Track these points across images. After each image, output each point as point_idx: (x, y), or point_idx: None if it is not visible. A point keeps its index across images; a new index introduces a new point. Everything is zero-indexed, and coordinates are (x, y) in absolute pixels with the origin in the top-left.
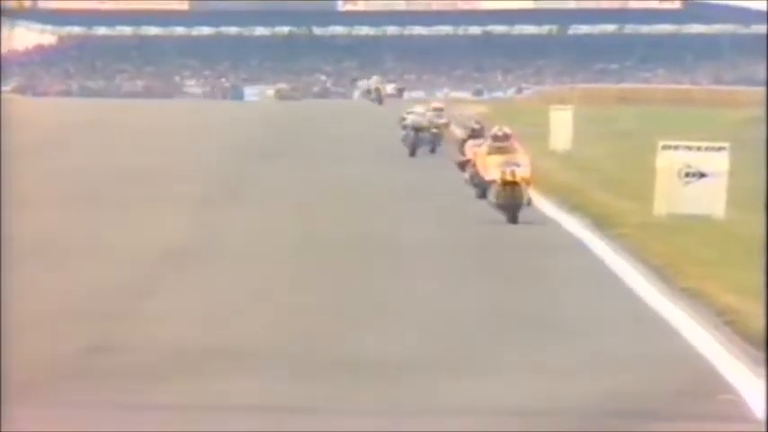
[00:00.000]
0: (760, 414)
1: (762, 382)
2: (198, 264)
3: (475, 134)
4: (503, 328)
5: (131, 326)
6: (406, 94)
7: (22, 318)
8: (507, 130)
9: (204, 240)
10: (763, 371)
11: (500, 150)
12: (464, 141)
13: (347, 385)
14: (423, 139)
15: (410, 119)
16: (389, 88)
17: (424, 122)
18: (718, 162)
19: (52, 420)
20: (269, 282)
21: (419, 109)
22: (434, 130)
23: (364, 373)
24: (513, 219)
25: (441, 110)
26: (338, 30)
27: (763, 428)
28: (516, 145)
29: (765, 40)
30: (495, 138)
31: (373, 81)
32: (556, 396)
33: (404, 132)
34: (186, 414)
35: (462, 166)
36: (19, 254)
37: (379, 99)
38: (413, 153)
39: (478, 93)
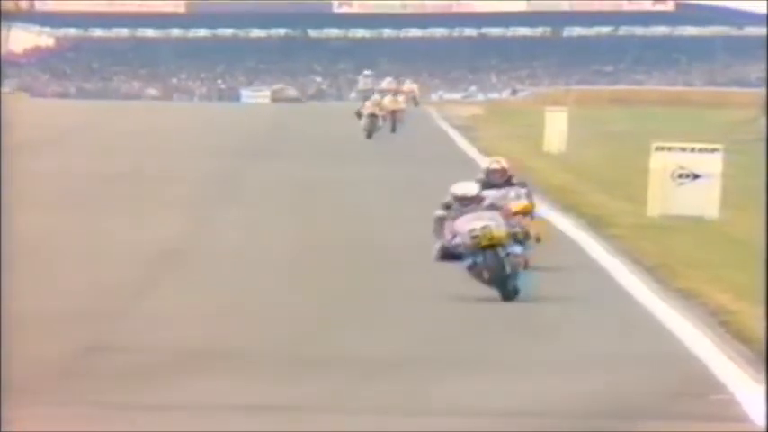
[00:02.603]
0: (755, 414)
1: (761, 385)
2: (189, 264)
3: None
4: (492, 331)
5: (129, 326)
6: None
7: (21, 318)
8: None
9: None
10: (758, 373)
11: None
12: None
13: None
14: None
15: None
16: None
17: None
18: (711, 163)
19: (52, 420)
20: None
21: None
22: None
23: None
24: None
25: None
26: (333, 32)
27: (763, 429)
28: None
29: (759, 42)
30: None
31: (372, 102)
32: (551, 396)
33: None
34: (186, 413)
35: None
36: (16, 254)
37: (372, 127)
38: None
39: (470, 94)
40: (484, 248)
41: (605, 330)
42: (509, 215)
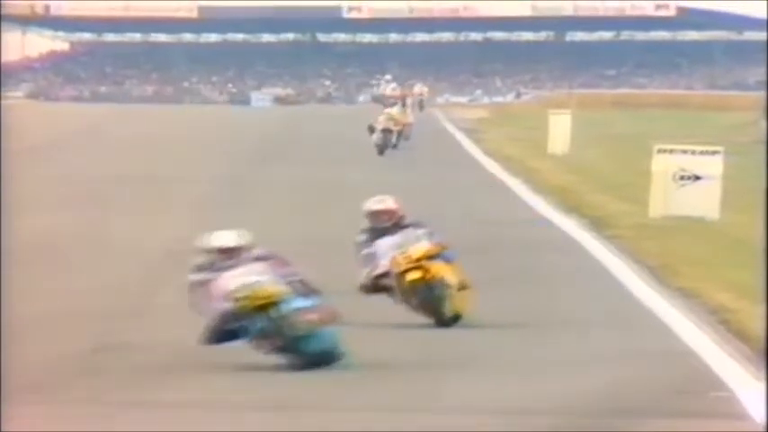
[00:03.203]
0: (755, 412)
1: (761, 383)
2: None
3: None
4: (493, 328)
5: (133, 325)
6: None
7: (23, 317)
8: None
9: None
10: (759, 370)
11: None
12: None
13: None
14: None
15: None
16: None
17: None
18: (712, 165)
19: (53, 419)
20: None
21: None
22: None
23: None
24: None
25: None
26: (342, 37)
27: (763, 429)
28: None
29: (758, 46)
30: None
31: (385, 117)
32: (552, 394)
33: None
34: (188, 412)
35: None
36: (18, 254)
37: (386, 143)
38: None
39: (475, 98)
40: (258, 311)
41: (606, 328)
42: (282, 264)
